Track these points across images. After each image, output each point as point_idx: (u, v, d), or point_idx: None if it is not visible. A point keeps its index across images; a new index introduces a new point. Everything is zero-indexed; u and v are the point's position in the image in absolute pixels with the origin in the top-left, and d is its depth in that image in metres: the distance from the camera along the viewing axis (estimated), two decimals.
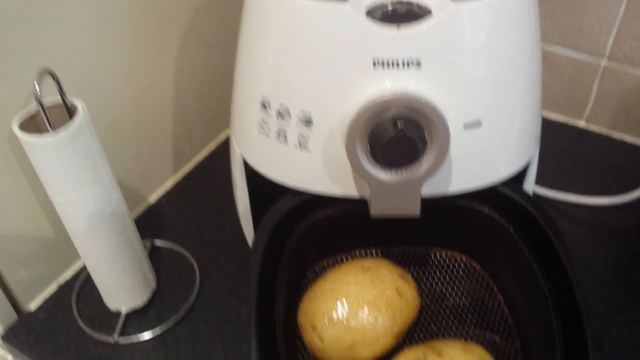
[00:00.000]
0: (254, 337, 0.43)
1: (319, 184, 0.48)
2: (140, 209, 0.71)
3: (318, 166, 0.47)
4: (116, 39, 0.61)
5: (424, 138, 0.42)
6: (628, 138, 0.78)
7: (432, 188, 0.47)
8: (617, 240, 0.66)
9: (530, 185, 0.56)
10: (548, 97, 0.80)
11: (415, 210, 0.46)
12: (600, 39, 0.73)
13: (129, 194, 0.69)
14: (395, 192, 0.45)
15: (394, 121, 0.42)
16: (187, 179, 0.76)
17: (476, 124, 0.45)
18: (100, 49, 0.59)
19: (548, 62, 0.77)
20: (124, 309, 0.60)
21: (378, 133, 0.42)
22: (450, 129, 0.43)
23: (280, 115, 0.46)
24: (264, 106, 0.47)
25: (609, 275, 0.62)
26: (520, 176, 0.53)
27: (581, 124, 0.81)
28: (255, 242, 0.48)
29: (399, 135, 0.41)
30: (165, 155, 0.73)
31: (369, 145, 0.43)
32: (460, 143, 0.45)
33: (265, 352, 0.43)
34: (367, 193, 0.47)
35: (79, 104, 0.48)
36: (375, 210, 0.47)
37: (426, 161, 0.43)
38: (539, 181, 0.71)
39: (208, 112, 0.76)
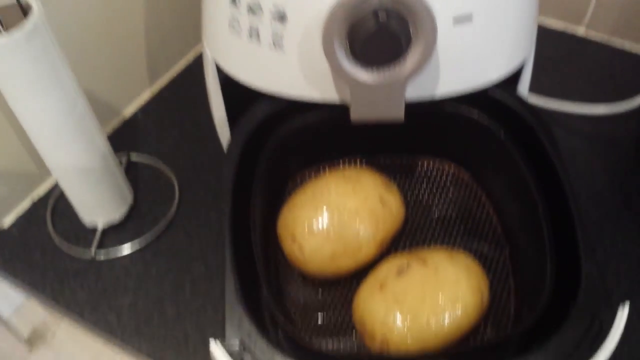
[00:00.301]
0: (228, 246, 0.41)
1: (296, 88, 0.45)
2: (115, 123, 0.68)
3: (294, 68, 0.43)
4: None
5: (408, 33, 0.38)
6: (628, 45, 0.73)
7: (417, 91, 0.44)
8: (614, 150, 0.63)
9: (524, 91, 0.52)
10: (547, 1, 0.75)
11: (398, 114, 0.43)
12: None
13: (103, 107, 0.66)
14: (377, 94, 0.42)
15: (375, 13, 0.38)
16: (164, 91, 0.72)
17: (466, 19, 0.41)
18: None
19: None
20: (100, 223, 0.58)
21: (358, 27, 0.38)
22: (437, 23, 0.39)
23: (251, 10, 0.42)
24: (234, 2, 0.43)
25: (604, 186, 0.59)
26: (513, 80, 0.49)
27: (580, 30, 0.76)
28: (229, 149, 0.45)
29: (380, 29, 0.37)
30: (140, 66, 0.69)
31: (348, 42, 0.39)
32: (448, 40, 0.41)
33: (241, 262, 0.41)
34: (347, 97, 0.43)
35: (33, 2, 0.44)
36: (356, 114, 0.43)
37: (410, 59, 0.40)
38: (535, 90, 0.67)
39: (185, 20, 0.71)
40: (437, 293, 0.42)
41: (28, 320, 1.11)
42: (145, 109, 0.70)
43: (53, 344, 1.11)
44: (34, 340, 1.10)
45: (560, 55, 0.73)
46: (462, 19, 0.41)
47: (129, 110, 0.69)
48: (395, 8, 0.38)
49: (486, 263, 0.49)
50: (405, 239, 0.52)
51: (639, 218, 0.56)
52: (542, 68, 0.71)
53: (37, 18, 0.43)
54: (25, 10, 0.44)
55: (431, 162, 0.55)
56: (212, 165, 0.63)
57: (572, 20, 0.75)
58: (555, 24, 0.77)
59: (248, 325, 0.37)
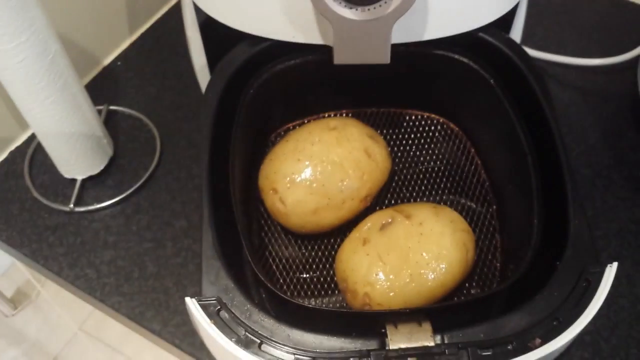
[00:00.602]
0: (206, 198, 0.40)
1: (278, 29, 0.42)
2: (94, 72, 0.65)
3: (275, 6, 0.41)
4: None
5: None
6: None
7: (404, 34, 0.41)
8: (608, 104, 0.61)
9: (517, 36, 0.50)
10: None
11: (384, 57, 0.41)
12: None
13: (82, 55, 0.63)
14: (361, 34, 0.39)
15: None
16: (145, 38, 0.69)
17: None
18: None
19: None
20: (79, 176, 0.56)
21: None
22: None
23: None
24: None
25: (597, 141, 0.58)
26: (506, 25, 0.47)
27: None
28: (206, 94, 0.43)
29: None
30: (120, 13, 0.66)
31: None
32: None
33: (220, 215, 0.39)
34: (331, 38, 0.41)
35: None
36: (339, 57, 0.41)
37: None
38: (528, 42, 0.65)
39: None
40: (421, 248, 0.41)
41: (14, 280, 1.11)
42: (125, 57, 0.67)
43: (38, 303, 1.11)
44: (18, 300, 1.09)
45: (554, 4, 0.71)
46: None
47: (109, 59, 0.67)
48: None
49: (473, 219, 0.48)
50: (392, 194, 0.50)
51: (631, 176, 0.55)
52: (537, 18, 0.69)
53: None
54: None
55: (419, 115, 0.53)
56: (195, 117, 0.61)
57: None
58: None
59: (225, 281, 0.36)
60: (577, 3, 0.71)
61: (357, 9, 0.38)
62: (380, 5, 0.38)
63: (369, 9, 0.38)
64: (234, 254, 0.40)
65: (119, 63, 0.66)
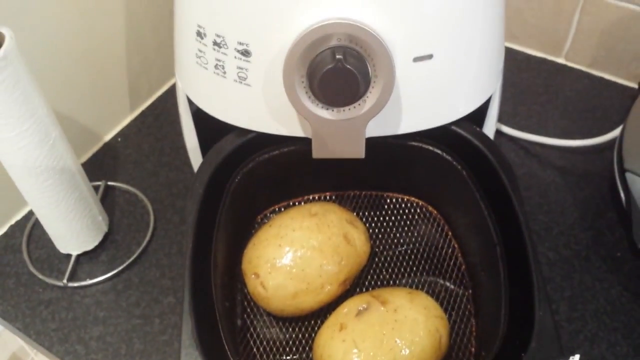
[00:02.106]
0: (188, 286, 0.41)
1: (262, 122, 0.45)
2: (94, 148, 0.68)
3: (260, 102, 0.43)
4: None
5: (366, 72, 0.38)
6: (608, 76, 0.73)
7: (379, 128, 0.44)
8: (587, 184, 0.62)
9: (491, 126, 0.52)
10: (526, 31, 0.75)
11: (359, 152, 0.43)
12: None
13: (83, 132, 0.66)
14: (337, 132, 0.42)
15: (333, 52, 0.38)
16: (145, 115, 0.72)
17: (427, 57, 0.41)
18: None
19: None
20: (74, 252, 0.58)
21: (316, 65, 0.38)
22: (397, 62, 0.39)
23: (216, 45, 0.42)
24: (200, 35, 0.43)
25: (576, 221, 0.59)
26: (480, 115, 0.49)
27: (560, 60, 0.76)
28: (194, 184, 0.45)
29: (337, 67, 0.37)
30: (122, 92, 0.69)
31: (308, 80, 0.39)
32: (409, 78, 0.41)
33: (201, 302, 0.41)
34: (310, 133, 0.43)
35: (5, 32, 0.44)
36: (318, 152, 0.43)
37: (370, 99, 0.40)
38: (509, 122, 0.68)
39: (167, 45, 0.72)
40: (395, 335, 0.42)
41: (8, 346, 1.11)
42: (125, 134, 0.70)
43: None
44: None
45: (539, 84, 0.73)
46: (423, 58, 0.41)
47: (110, 135, 0.69)
48: (353, 48, 0.38)
49: (450, 301, 0.49)
50: (372, 275, 0.51)
51: (608, 256, 0.56)
52: (519, 98, 0.72)
53: (7, 49, 0.43)
54: None
55: (399, 198, 0.55)
56: (188, 194, 0.63)
57: (551, 50, 0.75)
58: (534, 53, 0.77)
59: None
60: (559, 83, 0.73)
61: (333, 110, 0.40)
62: (354, 107, 0.40)
63: (344, 110, 0.40)
64: (215, 339, 0.41)
65: (119, 139, 0.69)
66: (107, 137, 0.69)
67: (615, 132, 0.61)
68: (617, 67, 0.72)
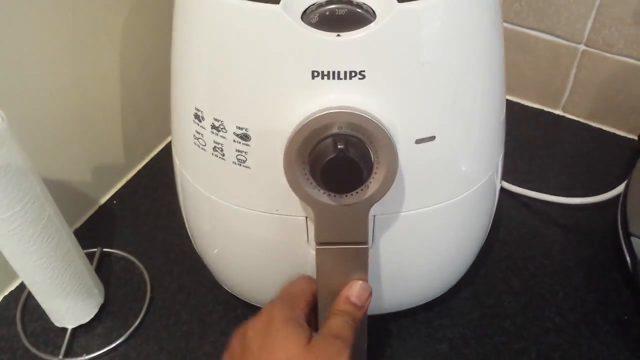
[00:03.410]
0: None
1: (261, 204, 0.43)
2: (90, 211, 0.66)
3: (260, 184, 0.42)
4: (50, 31, 0.55)
5: (368, 158, 0.37)
6: (606, 127, 0.72)
7: (384, 208, 0.42)
8: (591, 242, 0.61)
9: (495, 194, 0.51)
10: (523, 84, 0.74)
11: (363, 237, 0.41)
12: (579, 23, 0.66)
13: (78, 196, 0.64)
14: (341, 217, 0.40)
15: (334, 141, 0.36)
16: (140, 176, 0.70)
17: (429, 140, 0.40)
18: (31, 43, 0.53)
19: (523, 46, 0.71)
20: (70, 325, 0.55)
21: (317, 154, 0.37)
22: (399, 147, 0.38)
23: (215, 128, 0.41)
24: (198, 118, 0.41)
25: (581, 282, 0.57)
26: None
27: (557, 112, 0.75)
28: None
29: (339, 157, 0.36)
30: (117, 153, 0.68)
31: (309, 167, 0.37)
32: (412, 161, 0.40)
33: None
34: (312, 217, 0.42)
35: None
36: (319, 236, 0.41)
37: (373, 183, 0.38)
38: (509, 177, 0.66)
39: (162, 106, 0.70)
40: None
41: None
42: (121, 196, 0.68)
43: None
44: None
45: (537, 136, 0.72)
46: (425, 140, 0.40)
47: (105, 198, 0.68)
48: (354, 134, 0.36)
49: None
50: None
51: (616, 320, 0.54)
52: (518, 152, 0.70)
53: (0, 130, 0.41)
54: None
55: None
56: (186, 261, 0.61)
57: (549, 102, 0.75)
58: (532, 105, 0.76)
59: None
60: (557, 134, 0.72)
61: (335, 196, 0.39)
62: (357, 192, 0.38)
63: (347, 196, 0.39)
64: None
65: (115, 201, 0.67)
66: (103, 200, 0.68)
67: (618, 189, 0.60)
68: (615, 119, 0.71)
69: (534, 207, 0.64)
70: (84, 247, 0.54)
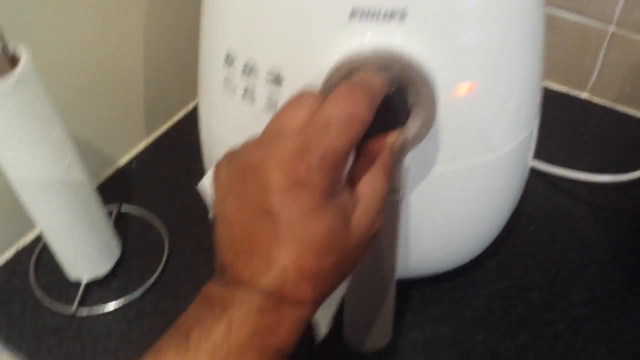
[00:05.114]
0: None
1: None
2: (108, 171, 0.64)
3: None
4: None
5: (406, 103, 0.35)
6: (634, 112, 0.70)
7: (419, 159, 0.40)
8: (619, 221, 0.58)
9: (528, 161, 0.48)
10: (550, 65, 0.72)
11: (397, 181, 0.39)
12: (609, 3, 0.64)
13: (97, 156, 0.62)
14: None
15: None
16: (161, 140, 0.68)
17: (469, 90, 0.38)
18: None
19: (551, 27, 0.69)
20: (85, 278, 0.53)
21: None
22: (438, 94, 0.35)
23: (246, 71, 0.39)
24: (229, 61, 0.39)
25: (610, 260, 0.55)
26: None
27: (584, 95, 0.73)
28: None
29: None
30: (138, 116, 0.66)
31: None
32: (450, 110, 0.37)
33: None
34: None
35: (23, 51, 0.41)
36: None
37: (411, 127, 0.36)
38: (538, 153, 0.64)
39: (186, 68, 0.68)
40: None
41: None
42: (140, 158, 0.66)
43: None
44: None
45: (563, 119, 0.70)
46: (465, 90, 0.38)
47: (124, 159, 0.66)
48: (396, 76, 0.34)
49: None
50: None
51: None
52: (545, 130, 0.68)
53: (24, 69, 0.40)
54: (14, 61, 0.41)
55: None
56: (205, 221, 0.59)
57: (576, 84, 0.72)
58: (558, 87, 0.74)
59: None
60: (583, 120, 0.70)
61: None
62: None
63: None
64: None
65: (133, 164, 0.65)
66: (122, 162, 0.65)
67: None
68: None
69: (561, 186, 0.62)
70: (103, 205, 0.52)
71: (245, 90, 0.39)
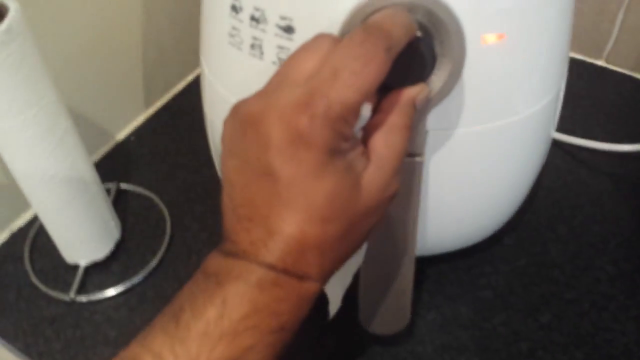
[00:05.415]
0: None
1: None
2: (106, 147, 0.60)
3: None
4: None
5: (432, 52, 0.31)
6: None
7: (438, 121, 0.36)
8: None
9: (552, 128, 0.45)
10: None
11: (419, 147, 0.35)
12: None
13: (93, 129, 0.59)
14: None
15: None
16: (160, 113, 0.64)
17: (498, 37, 0.34)
18: None
19: None
20: (83, 262, 0.50)
21: None
22: (466, 43, 0.32)
23: (254, 20, 0.35)
24: (235, 9, 0.36)
25: (634, 233, 0.52)
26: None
27: (600, 63, 0.69)
28: None
29: None
30: (136, 87, 0.62)
31: None
32: (477, 63, 0.34)
33: None
34: None
35: (11, 3, 0.37)
36: None
37: (435, 81, 0.32)
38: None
39: (186, 38, 0.64)
40: None
41: None
42: (139, 133, 0.62)
43: None
44: None
45: (579, 88, 0.66)
46: (493, 39, 0.34)
47: (122, 133, 0.62)
48: (419, 21, 0.31)
49: None
50: None
51: None
52: (563, 101, 0.65)
53: (13, 21, 0.36)
54: (2, 13, 0.37)
55: None
56: (208, 199, 0.56)
57: (591, 51, 0.69)
58: (572, 54, 0.70)
59: None
60: (600, 86, 0.66)
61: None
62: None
63: None
64: None
65: (132, 138, 0.62)
66: (120, 136, 0.62)
67: None
68: None
69: (580, 156, 0.59)
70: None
71: (254, 42, 0.36)
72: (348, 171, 0.26)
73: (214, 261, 0.26)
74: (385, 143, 0.28)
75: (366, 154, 0.28)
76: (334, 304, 0.39)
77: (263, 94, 0.26)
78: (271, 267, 0.25)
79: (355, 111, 0.26)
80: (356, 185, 0.26)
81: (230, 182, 0.27)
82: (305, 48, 0.27)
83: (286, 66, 0.27)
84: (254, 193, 0.25)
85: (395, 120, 0.29)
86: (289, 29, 0.34)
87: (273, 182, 0.25)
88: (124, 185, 0.56)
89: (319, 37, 0.28)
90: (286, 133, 0.24)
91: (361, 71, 0.25)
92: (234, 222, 0.26)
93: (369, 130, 0.29)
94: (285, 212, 0.25)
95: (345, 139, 0.26)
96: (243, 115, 0.26)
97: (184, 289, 0.26)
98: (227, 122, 0.28)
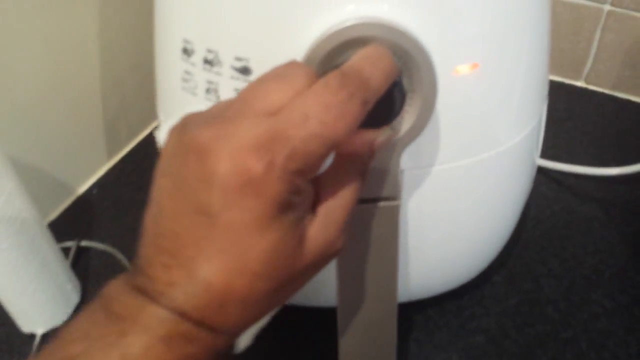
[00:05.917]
0: None
1: None
2: (66, 202, 0.57)
3: None
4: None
5: (401, 86, 0.28)
6: (635, 98, 0.64)
7: (415, 160, 0.33)
8: (633, 217, 0.52)
9: (536, 156, 0.42)
10: None
11: (393, 190, 0.32)
12: None
13: (53, 184, 0.55)
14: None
15: None
16: (124, 163, 0.61)
17: (471, 68, 0.31)
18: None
19: None
20: (40, 330, 0.46)
21: None
22: (437, 76, 0.29)
23: (207, 63, 0.32)
24: (186, 52, 0.33)
25: (628, 261, 0.49)
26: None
27: (579, 84, 0.67)
28: None
29: None
30: (97, 137, 0.58)
31: None
32: (451, 96, 0.31)
33: None
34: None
35: None
36: None
37: (406, 119, 0.29)
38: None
39: (148, 83, 0.61)
40: None
41: None
42: (102, 185, 0.59)
43: None
44: None
45: (559, 110, 0.64)
46: (467, 71, 0.31)
47: (83, 187, 0.58)
48: None
49: None
50: None
51: None
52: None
53: None
54: None
55: None
56: None
57: (569, 72, 0.67)
58: (551, 78, 0.68)
59: None
60: (582, 108, 0.64)
61: None
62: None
63: None
64: None
65: (94, 191, 0.58)
66: (81, 190, 0.58)
67: None
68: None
69: (566, 182, 0.56)
70: (59, 241, 0.46)
71: (209, 86, 0.33)
72: (293, 228, 0.23)
73: (121, 297, 0.22)
74: (335, 194, 0.25)
75: (314, 203, 0.25)
76: (244, 339, 0.35)
77: (219, 119, 0.23)
78: (186, 316, 0.21)
79: (317, 165, 0.23)
80: (299, 244, 0.23)
81: (159, 204, 0.23)
82: (276, 76, 0.24)
83: (251, 91, 0.24)
84: (184, 228, 0.22)
85: (347, 167, 0.26)
86: (245, 70, 0.31)
87: (208, 224, 0.22)
88: (84, 243, 0.52)
89: (293, 67, 0.24)
90: (235, 175, 0.21)
91: (332, 125, 0.22)
92: (152, 251, 0.23)
93: (322, 177, 0.25)
94: (214, 259, 0.21)
95: (298, 193, 0.23)
96: (190, 139, 0.22)
97: (78, 325, 0.22)
98: (171, 135, 0.24)
